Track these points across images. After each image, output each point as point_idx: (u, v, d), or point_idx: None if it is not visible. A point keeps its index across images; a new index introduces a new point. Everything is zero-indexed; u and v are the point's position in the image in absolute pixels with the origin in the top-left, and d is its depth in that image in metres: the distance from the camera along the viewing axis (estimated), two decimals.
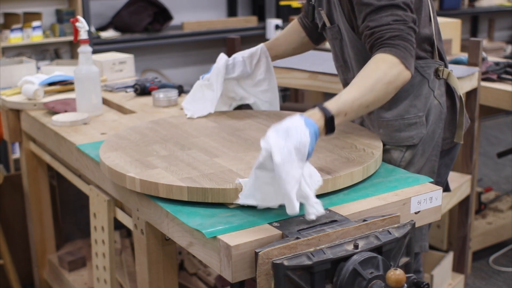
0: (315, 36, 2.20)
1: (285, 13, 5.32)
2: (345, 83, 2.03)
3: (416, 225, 1.53)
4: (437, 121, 1.94)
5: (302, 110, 2.46)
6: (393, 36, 1.68)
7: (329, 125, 1.56)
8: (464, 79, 2.59)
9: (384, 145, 1.92)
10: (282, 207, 1.50)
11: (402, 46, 1.67)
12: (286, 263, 1.30)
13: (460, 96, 2.00)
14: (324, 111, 1.56)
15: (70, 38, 4.50)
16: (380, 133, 1.95)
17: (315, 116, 1.54)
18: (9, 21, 4.39)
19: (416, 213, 1.64)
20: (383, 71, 1.64)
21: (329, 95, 2.20)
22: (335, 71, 2.17)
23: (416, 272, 2.17)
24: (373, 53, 1.71)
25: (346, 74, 2.01)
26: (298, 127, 1.44)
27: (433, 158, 1.96)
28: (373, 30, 1.71)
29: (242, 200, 1.47)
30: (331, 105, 1.59)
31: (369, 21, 1.73)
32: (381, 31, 1.69)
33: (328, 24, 1.94)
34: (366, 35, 1.74)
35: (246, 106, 2.34)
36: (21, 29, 4.32)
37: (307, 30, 2.19)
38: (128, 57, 3.00)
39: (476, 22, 6.76)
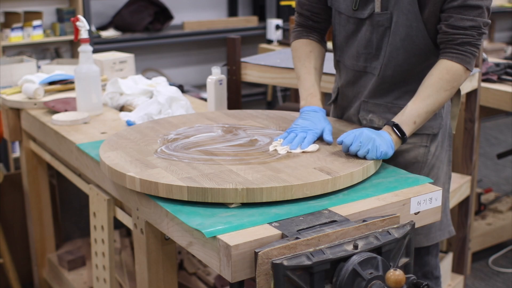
0: (325, 43, 2.14)
1: (285, 13, 5.31)
2: (359, 70, 1.99)
3: (416, 226, 1.53)
4: (447, 111, 2.02)
5: None
6: (464, 43, 1.80)
7: (398, 131, 1.78)
8: None
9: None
10: (282, 207, 1.52)
11: (468, 52, 1.81)
12: (285, 263, 1.30)
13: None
14: (389, 123, 1.80)
15: (71, 37, 4.50)
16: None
17: (387, 128, 1.80)
18: (10, 20, 4.39)
19: (416, 213, 1.64)
20: (447, 80, 1.80)
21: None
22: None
23: (436, 279, 2.13)
24: (440, 53, 1.84)
25: (368, 61, 1.95)
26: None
27: (448, 148, 2.06)
28: (448, 31, 1.81)
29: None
30: (398, 118, 1.80)
31: (450, 16, 1.80)
32: (454, 34, 1.80)
33: (378, 10, 1.88)
34: (441, 27, 1.83)
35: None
36: (21, 28, 4.32)
37: (323, 43, 2.11)
38: (128, 57, 3.00)
39: None
